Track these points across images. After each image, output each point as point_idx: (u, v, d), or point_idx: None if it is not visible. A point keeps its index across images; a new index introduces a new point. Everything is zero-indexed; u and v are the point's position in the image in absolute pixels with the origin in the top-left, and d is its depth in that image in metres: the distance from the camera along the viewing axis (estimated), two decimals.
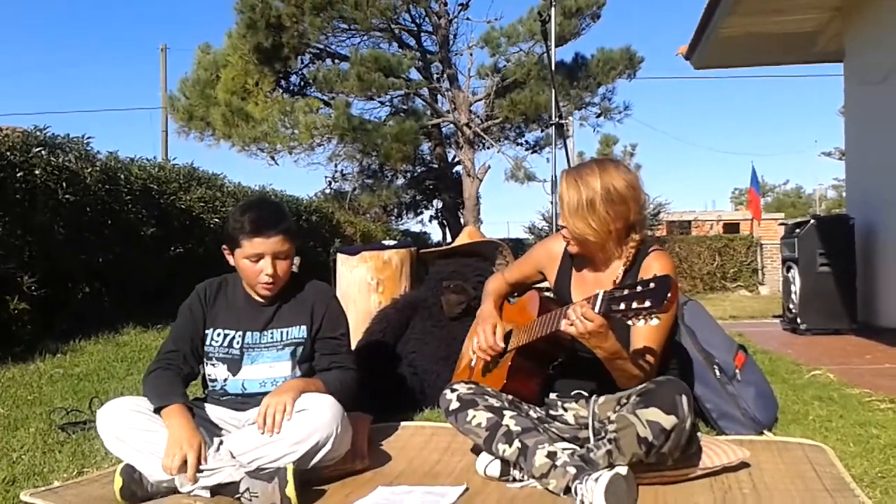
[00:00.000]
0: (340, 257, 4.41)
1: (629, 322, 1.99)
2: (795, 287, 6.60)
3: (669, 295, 1.88)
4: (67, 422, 3.23)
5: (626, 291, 1.99)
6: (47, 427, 3.19)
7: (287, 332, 2.56)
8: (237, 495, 2.19)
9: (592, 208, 2.29)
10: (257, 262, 2.47)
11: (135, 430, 2.28)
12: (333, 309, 2.63)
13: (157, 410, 2.32)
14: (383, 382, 3.31)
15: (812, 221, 6.74)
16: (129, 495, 2.21)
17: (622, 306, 1.97)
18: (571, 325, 2.12)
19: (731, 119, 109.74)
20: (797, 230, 6.74)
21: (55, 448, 2.87)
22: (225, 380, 2.53)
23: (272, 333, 2.56)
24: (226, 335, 2.55)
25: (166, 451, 2.21)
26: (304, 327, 2.56)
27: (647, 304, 1.91)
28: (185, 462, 2.19)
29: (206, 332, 2.56)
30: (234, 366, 2.53)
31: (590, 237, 2.33)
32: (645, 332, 2.21)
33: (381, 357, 3.45)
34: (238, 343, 2.54)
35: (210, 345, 2.55)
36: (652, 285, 1.93)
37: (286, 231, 2.50)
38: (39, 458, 2.74)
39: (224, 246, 2.56)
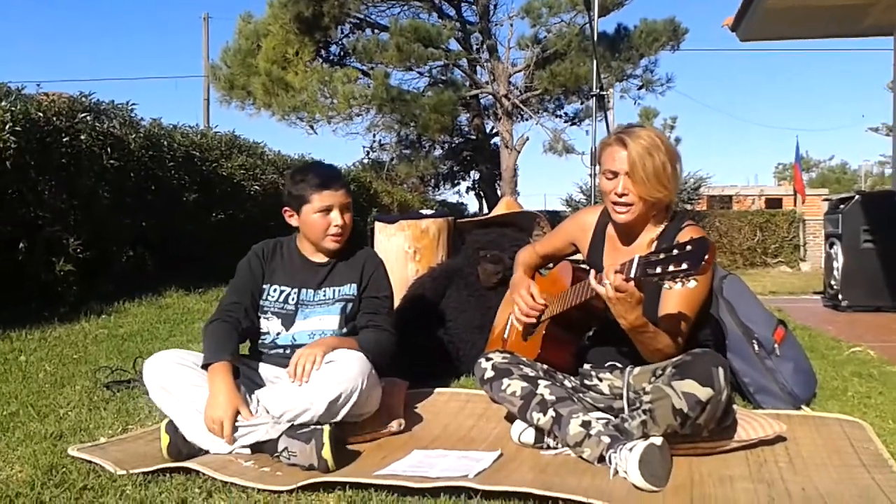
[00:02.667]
0: (378, 225, 4.43)
1: (665, 285, 1.97)
2: (838, 263, 6.50)
3: (707, 256, 1.86)
4: (112, 380, 3.32)
5: (661, 255, 1.97)
6: (93, 385, 3.28)
7: (339, 289, 2.66)
8: (276, 454, 2.25)
9: (665, 169, 2.28)
10: (327, 214, 2.58)
11: (182, 384, 2.35)
12: (381, 272, 2.74)
13: (205, 367, 2.38)
14: (419, 350, 3.34)
15: (857, 197, 6.62)
16: (175, 452, 2.27)
17: (658, 269, 1.95)
18: (601, 284, 2.11)
19: (776, 93, 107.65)
20: (841, 206, 6.62)
21: (100, 405, 2.96)
22: (278, 333, 2.62)
23: (325, 291, 2.66)
24: (282, 291, 2.65)
25: (205, 411, 2.28)
26: (354, 285, 2.67)
27: (685, 266, 1.89)
28: (222, 426, 2.26)
29: (264, 287, 2.66)
30: (288, 321, 2.62)
31: (663, 199, 2.33)
32: (678, 296, 2.20)
33: (417, 325, 3.48)
34: (293, 300, 2.63)
35: (266, 299, 2.64)
36: (689, 248, 1.91)
37: (347, 185, 2.68)
38: (85, 414, 2.82)
39: (286, 208, 2.67)
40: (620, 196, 2.33)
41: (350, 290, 2.66)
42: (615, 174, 2.33)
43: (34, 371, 3.57)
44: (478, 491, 1.94)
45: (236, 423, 2.28)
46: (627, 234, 2.46)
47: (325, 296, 2.65)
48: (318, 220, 2.59)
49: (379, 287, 2.70)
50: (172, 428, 2.31)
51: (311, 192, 2.58)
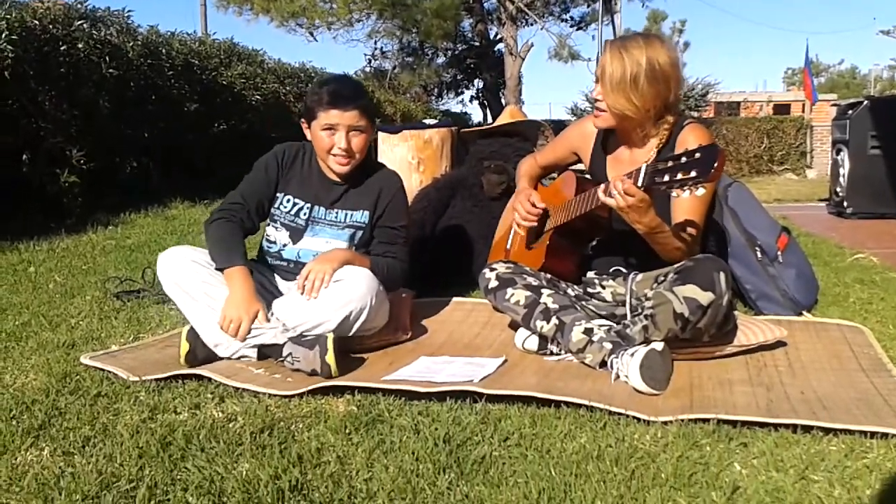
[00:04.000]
0: (381, 135, 4.40)
1: (673, 193, 1.98)
2: (844, 170, 6.46)
3: (716, 164, 1.84)
4: (122, 290, 3.36)
5: (670, 163, 1.96)
6: (102, 295, 3.32)
7: (351, 214, 2.61)
8: (280, 358, 2.30)
9: (636, 84, 2.23)
10: (333, 134, 2.50)
11: (195, 281, 2.37)
12: (398, 200, 2.66)
13: (220, 270, 2.40)
14: (424, 260, 3.36)
15: (865, 103, 6.52)
16: (192, 359, 2.33)
17: (666, 178, 1.95)
18: (610, 196, 2.11)
19: None
20: (849, 111, 6.54)
21: (111, 315, 3.00)
22: (284, 245, 2.60)
23: (337, 213, 2.61)
24: (295, 203, 2.61)
25: (223, 312, 2.31)
26: (366, 213, 2.61)
27: (693, 173, 1.88)
28: (240, 325, 2.30)
29: (277, 194, 2.62)
30: (296, 235, 2.60)
31: (629, 113, 2.28)
32: (687, 203, 2.20)
33: (421, 235, 3.49)
34: (305, 214, 2.60)
35: (278, 208, 2.61)
36: (698, 155, 1.89)
37: (363, 107, 2.53)
38: (96, 324, 2.87)
39: (302, 119, 2.60)
40: (595, 100, 2.37)
41: (362, 216, 2.61)
42: (598, 79, 2.35)
43: (44, 282, 3.61)
44: (482, 395, 1.99)
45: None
46: (625, 141, 2.45)
47: (336, 217, 2.60)
48: (324, 139, 2.51)
49: (396, 217, 2.64)
50: (193, 335, 2.35)
51: (318, 108, 2.50)
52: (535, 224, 2.62)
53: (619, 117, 2.33)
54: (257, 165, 2.64)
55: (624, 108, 2.27)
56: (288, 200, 2.61)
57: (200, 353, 2.34)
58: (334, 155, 2.52)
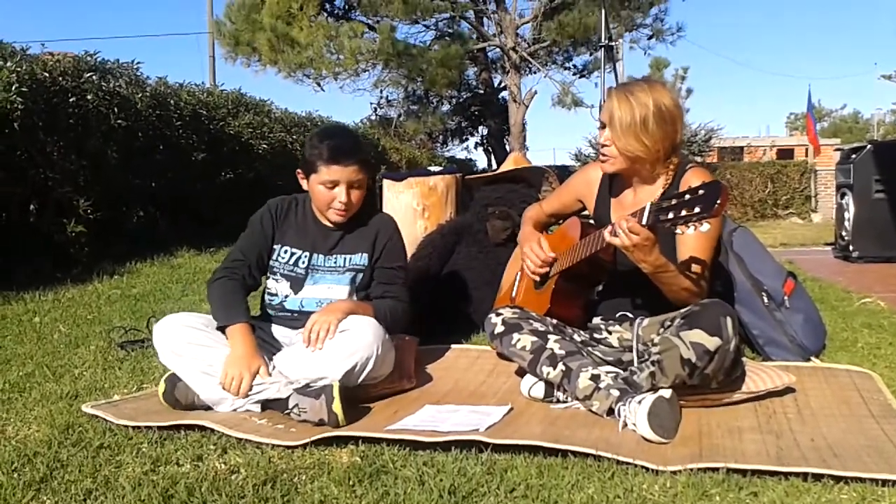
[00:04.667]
0: (386, 183, 4.42)
1: (677, 231, 1.98)
2: (849, 214, 6.46)
3: (720, 200, 1.85)
4: (126, 340, 3.35)
5: (674, 201, 1.97)
6: (107, 345, 3.31)
7: (350, 258, 2.62)
8: (286, 411, 2.27)
9: (645, 126, 2.26)
10: (332, 188, 2.52)
11: (191, 345, 2.37)
12: (395, 241, 2.68)
13: (222, 329, 2.40)
14: (429, 307, 3.35)
15: (869, 147, 6.56)
16: (172, 402, 2.35)
17: (670, 215, 1.95)
18: (615, 235, 2.12)
19: (788, 40, 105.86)
20: (853, 156, 6.56)
21: (115, 365, 2.99)
22: (286, 296, 2.60)
23: (336, 258, 2.62)
24: (293, 253, 2.62)
25: (225, 368, 2.31)
26: (365, 255, 2.62)
27: (697, 209, 1.89)
28: (241, 382, 2.29)
29: (275, 247, 2.63)
30: (297, 284, 2.60)
31: (641, 155, 2.31)
32: (693, 241, 2.21)
33: (426, 282, 3.49)
34: (304, 263, 2.61)
35: (276, 260, 2.62)
36: (701, 192, 1.90)
37: (362, 161, 2.56)
38: (100, 374, 2.86)
39: (299, 171, 2.62)
40: (602, 146, 2.39)
41: (361, 259, 2.62)
42: (603, 125, 2.37)
43: (48, 332, 3.61)
44: (488, 444, 1.96)
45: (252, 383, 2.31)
46: (629, 186, 2.46)
47: (335, 263, 2.61)
48: (323, 193, 2.53)
49: (394, 257, 2.66)
50: (173, 379, 2.38)
51: (319, 163, 2.51)
52: (546, 272, 2.62)
53: (630, 160, 2.35)
54: (252, 221, 2.66)
55: (636, 150, 2.30)
56: (285, 251, 2.62)
57: (182, 398, 2.36)
58: (335, 209, 2.54)
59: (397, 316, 2.58)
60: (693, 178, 2.31)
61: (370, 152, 2.66)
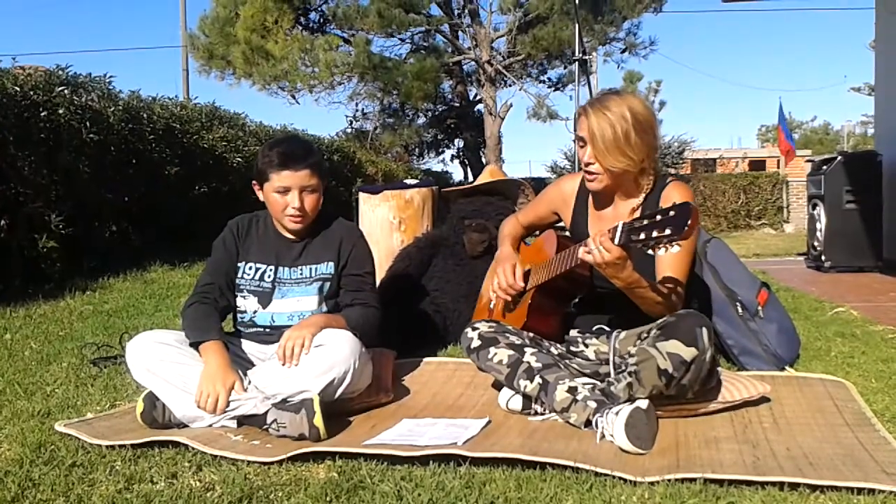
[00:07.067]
0: (362, 196, 4.42)
1: (649, 251, 2.00)
2: (821, 224, 6.55)
3: (690, 222, 1.87)
4: (99, 357, 3.30)
5: (645, 221, 1.98)
6: (79, 362, 3.26)
7: (315, 268, 2.61)
8: (264, 426, 2.25)
9: (628, 140, 2.27)
10: (285, 194, 2.51)
11: (165, 363, 2.35)
12: (360, 247, 2.68)
13: (196, 346, 2.38)
14: (406, 320, 3.35)
15: (839, 158, 6.66)
16: (150, 420, 2.31)
17: (642, 236, 1.97)
18: (589, 252, 2.13)
19: (759, 54, 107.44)
20: (824, 167, 6.66)
21: (87, 382, 2.95)
22: (255, 312, 2.59)
23: (301, 269, 2.61)
24: (257, 269, 2.60)
25: (199, 386, 2.29)
26: (331, 263, 2.62)
27: (668, 231, 1.91)
28: (217, 399, 2.27)
29: (239, 264, 2.62)
30: (265, 299, 2.59)
31: (629, 168, 2.31)
32: (668, 260, 2.22)
33: (403, 295, 3.48)
34: (269, 277, 2.59)
35: (242, 278, 2.60)
36: (672, 213, 1.92)
37: (314, 165, 2.54)
38: (73, 391, 2.81)
39: (254, 181, 2.61)
40: (587, 165, 2.37)
41: (327, 268, 2.61)
42: (584, 142, 2.36)
43: (20, 349, 3.55)
44: (466, 458, 1.96)
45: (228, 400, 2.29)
46: (607, 198, 2.47)
47: (301, 274, 2.60)
48: (277, 200, 2.52)
49: (361, 264, 2.65)
50: (151, 398, 2.34)
51: (270, 171, 2.51)
52: (512, 297, 2.63)
53: (615, 175, 2.35)
54: (215, 245, 2.66)
55: (623, 164, 2.30)
56: (250, 268, 2.61)
57: (159, 417, 2.33)
58: (289, 215, 2.53)
59: (370, 322, 2.58)
60: (674, 193, 2.33)
61: (323, 157, 2.66)
